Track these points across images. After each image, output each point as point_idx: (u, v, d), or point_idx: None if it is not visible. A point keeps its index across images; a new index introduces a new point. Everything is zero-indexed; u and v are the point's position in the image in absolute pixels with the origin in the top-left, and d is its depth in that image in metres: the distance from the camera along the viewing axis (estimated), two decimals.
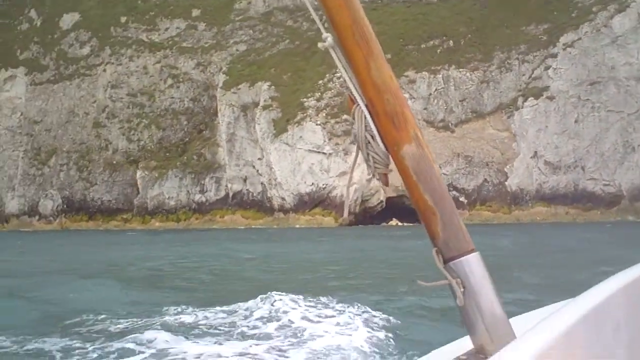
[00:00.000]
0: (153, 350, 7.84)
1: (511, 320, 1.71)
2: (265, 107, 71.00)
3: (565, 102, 62.26)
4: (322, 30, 1.71)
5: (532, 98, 63.11)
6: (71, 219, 75.38)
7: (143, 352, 7.75)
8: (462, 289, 1.66)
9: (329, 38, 1.70)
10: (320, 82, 70.26)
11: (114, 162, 77.02)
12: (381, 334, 8.80)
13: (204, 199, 72.64)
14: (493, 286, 1.69)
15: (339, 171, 65.37)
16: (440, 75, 67.28)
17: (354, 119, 1.71)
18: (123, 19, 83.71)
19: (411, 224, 62.50)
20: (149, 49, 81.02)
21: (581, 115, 61.68)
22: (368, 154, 1.72)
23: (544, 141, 62.16)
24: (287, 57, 74.57)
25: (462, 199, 63.48)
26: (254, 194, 70.76)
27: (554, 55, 63.94)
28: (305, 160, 66.94)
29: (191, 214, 72.61)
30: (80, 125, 79.10)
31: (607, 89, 61.32)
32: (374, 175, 1.76)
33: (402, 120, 1.65)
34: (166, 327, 9.46)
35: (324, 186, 65.93)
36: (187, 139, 76.70)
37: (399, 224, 64.48)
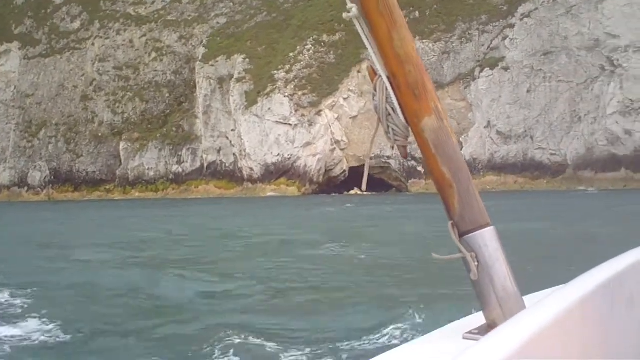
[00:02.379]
0: None
1: (525, 297, 1.96)
2: (239, 80, 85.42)
3: (519, 72, 74.16)
4: (347, 0, 1.90)
5: (488, 68, 75.22)
6: (58, 190, 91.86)
7: None
8: (476, 263, 1.87)
9: (353, 8, 1.89)
10: (291, 54, 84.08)
11: (100, 134, 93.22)
12: None
13: (180, 170, 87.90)
14: (507, 261, 1.91)
15: (303, 142, 79.14)
16: None
17: (375, 90, 1.93)
18: None
19: (370, 193, 76.36)
20: (136, 23, 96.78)
21: (533, 85, 73.50)
22: (388, 126, 1.95)
23: (497, 111, 74.27)
24: (263, 29, 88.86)
25: (419, 168, 76.42)
26: (227, 165, 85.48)
27: (512, 26, 75.89)
28: (272, 131, 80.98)
29: (169, 185, 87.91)
30: (69, 99, 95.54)
31: (559, 59, 72.91)
32: (392, 147, 2.01)
33: (422, 92, 1.87)
34: None
35: (289, 156, 79.86)
36: (169, 111, 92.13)
37: (358, 192, 77.71)
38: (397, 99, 1.88)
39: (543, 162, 71.95)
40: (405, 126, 1.91)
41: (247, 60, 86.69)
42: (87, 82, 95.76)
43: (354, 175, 79.69)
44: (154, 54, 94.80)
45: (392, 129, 1.93)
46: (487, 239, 1.89)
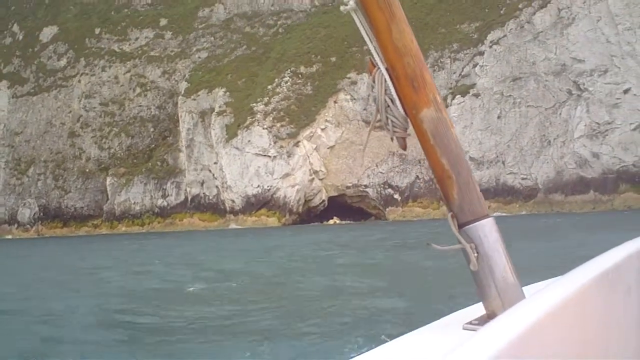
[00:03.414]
0: None
1: (524, 288, 2.01)
2: (219, 113, 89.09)
3: (490, 98, 77.35)
4: None
5: (460, 95, 78.41)
6: (47, 226, 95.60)
7: None
8: (475, 254, 1.94)
9: (351, 1, 1.96)
10: (270, 87, 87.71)
11: (87, 170, 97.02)
12: None
13: (165, 203, 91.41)
14: (506, 252, 1.97)
15: (282, 173, 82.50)
16: None
17: (374, 82, 2.02)
18: (97, 30, 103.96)
19: (350, 222, 79.58)
20: (120, 59, 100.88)
21: (503, 110, 76.62)
22: (387, 118, 2.01)
23: (469, 137, 77.31)
24: (243, 62, 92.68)
25: (396, 196, 79.65)
26: (210, 197, 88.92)
27: (482, 53, 79.15)
28: (252, 163, 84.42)
29: (154, 218, 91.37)
30: (57, 135, 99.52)
31: (527, 84, 76.05)
32: (392, 139, 2.03)
33: (421, 83, 1.94)
34: None
35: (268, 188, 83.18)
36: (154, 146, 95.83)
37: (338, 222, 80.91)
38: (396, 91, 1.96)
39: (515, 186, 74.83)
40: (404, 117, 1.98)
41: (228, 93, 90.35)
42: (74, 118, 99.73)
43: (333, 205, 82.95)
44: (138, 89, 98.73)
45: (391, 121, 1.99)
46: (487, 229, 1.96)
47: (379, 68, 1.98)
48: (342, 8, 1.98)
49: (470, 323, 2.00)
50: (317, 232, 61.49)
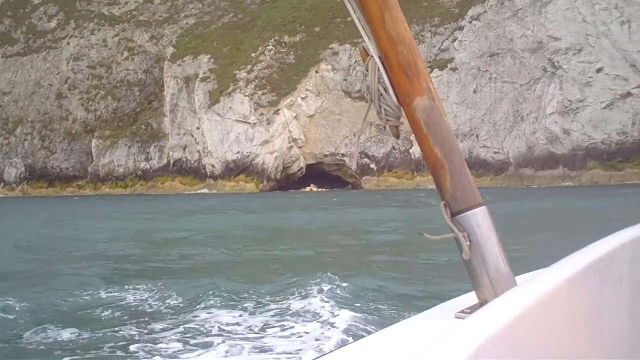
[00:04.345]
0: None
1: (517, 277, 2.05)
2: (203, 79, 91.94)
3: (467, 73, 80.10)
4: None
5: (438, 69, 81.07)
6: (32, 186, 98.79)
7: None
8: (468, 243, 1.96)
9: None
10: (253, 55, 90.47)
11: (73, 131, 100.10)
12: None
13: (148, 166, 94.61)
14: (499, 240, 2.00)
15: (261, 140, 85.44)
16: (361, 47, 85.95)
17: (367, 71, 2.01)
18: None
19: (326, 189, 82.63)
20: (109, 23, 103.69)
21: (479, 85, 79.37)
22: (380, 106, 2.03)
23: (445, 111, 79.92)
24: (229, 30, 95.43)
25: (372, 165, 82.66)
26: (192, 162, 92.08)
27: (461, 28, 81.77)
28: (233, 129, 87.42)
29: (137, 181, 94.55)
30: (45, 96, 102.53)
31: (504, 60, 78.75)
32: (385, 128, 2.06)
33: (414, 72, 1.98)
34: None
35: (248, 154, 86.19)
36: (139, 109, 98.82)
37: (314, 189, 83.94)
38: (389, 79, 1.99)
39: (487, 160, 77.74)
40: (397, 106, 2.02)
41: (212, 60, 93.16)
42: (62, 80, 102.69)
43: (311, 173, 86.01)
44: (126, 53, 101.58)
45: (384, 109, 2.03)
46: (479, 218, 2.00)
47: (372, 56, 2.01)
48: None
49: (462, 312, 2.05)
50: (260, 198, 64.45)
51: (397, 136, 2.17)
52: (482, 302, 2.03)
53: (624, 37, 73.34)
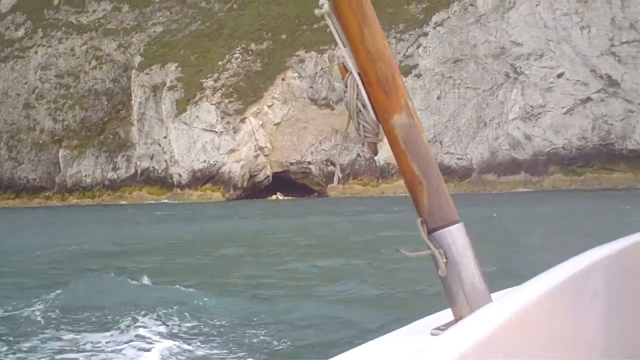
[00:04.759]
0: None
1: (493, 294, 2.08)
2: (170, 88, 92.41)
3: (431, 79, 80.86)
4: None
5: (402, 76, 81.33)
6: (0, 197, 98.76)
7: None
8: (444, 260, 1.98)
9: (325, 4, 1.95)
10: (220, 63, 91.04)
11: (40, 141, 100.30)
12: None
13: (115, 176, 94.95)
14: (475, 257, 2.02)
15: (228, 148, 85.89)
16: (327, 55, 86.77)
17: (346, 87, 2.02)
18: (56, 1, 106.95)
19: (292, 197, 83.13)
20: (77, 31, 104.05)
21: (443, 91, 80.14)
22: (359, 123, 2.02)
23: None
24: (196, 38, 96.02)
25: (339, 174, 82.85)
26: (159, 171, 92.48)
27: (426, 34, 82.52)
28: (199, 138, 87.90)
29: (104, 191, 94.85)
30: (12, 106, 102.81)
31: (467, 66, 79.57)
32: (363, 144, 2.04)
33: (393, 88, 1.99)
34: None
35: (214, 163, 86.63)
36: (107, 119, 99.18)
37: (280, 197, 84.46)
38: (368, 96, 1.99)
39: (451, 166, 78.36)
40: (375, 123, 2.01)
41: (180, 68, 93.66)
42: (30, 89, 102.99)
43: (278, 181, 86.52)
44: (93, 62, 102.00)
45: (363, 126, 2.02)
46: (456, 235, 2.01)
47: (351, 72, 2.02)
48: (316, 11, 1.98)
49: (438, 328, 2.08)
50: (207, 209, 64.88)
51: (375, 153, 2.13)
52: (458, 319, 2.04)
53: (584, 42, 74.32)
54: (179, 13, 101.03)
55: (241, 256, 20.62)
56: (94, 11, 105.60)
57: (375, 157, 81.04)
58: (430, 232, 1.98)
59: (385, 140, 2.04)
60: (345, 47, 1.97)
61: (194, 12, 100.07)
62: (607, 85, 73.74)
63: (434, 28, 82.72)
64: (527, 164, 74.75)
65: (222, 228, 34.80)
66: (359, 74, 1.98)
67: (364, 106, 1.98)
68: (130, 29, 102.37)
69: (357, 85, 1.97)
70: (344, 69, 2.02)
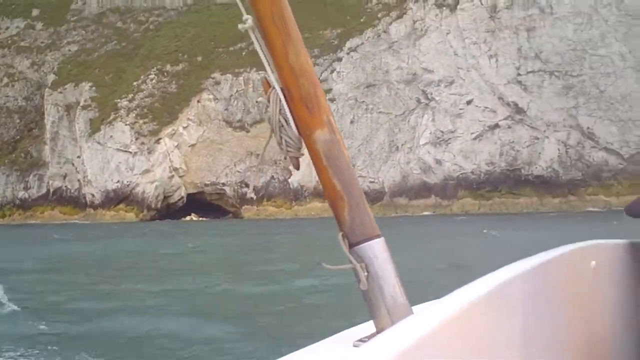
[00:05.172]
0: None
1: (414, 307, 2.11)
2: (84, 107, 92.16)
3: (344, 103, 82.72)
4: (243, 11, 1.94)
5: None
6: None
7: None
8: (365, 273, 1.99)
9: (249, 20, 1.95)
10: (135, 83, 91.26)
11: None
12: None
13: (27, 195, 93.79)
14: (395, 271, 2.03)
15: (142, 169, 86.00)
16: (242, 78, 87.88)
17: (268, 102, 2.00)
18: None
19: (207, 219, 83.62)
20: None
21: (356, 116, 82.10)
22: (281, 138, 2.02)
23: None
24: (112, 58, 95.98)
25: (252, 195, 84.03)
26: (72, 191, 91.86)
27: (340, 59, 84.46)
28: (113, 158, 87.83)
29: (15, 210, 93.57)
30: None
31: (380, 92, 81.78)
32: (286, 158, 2.04)
33: (315, 105, 1.98)
34: None
35: (128, 183, 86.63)
36: (19, 137, 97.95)
37: (194, 218, 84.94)
38: (291, 111, 2.00)
39: (363, 189, 79.56)
40: (298, 138, 2.02)
41: (94, 88, 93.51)
42: None
43: (193, 202, 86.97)
44: (5, 79, 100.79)
45: (285, 140, 2.04)
46: (377, 250, 2.02)
47: (274, 88, 2.01)
48: (240, 26, 1.96)
49: (360, 340, 2.10)
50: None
51: (297, 167, 2.12)
52: (380, 331, 2.06)
53: (492, 70, 77.41)
54: (94, 32, 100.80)
55: None
56: (7, 28, 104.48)
57: (289, 180, 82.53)
58: (351, 246, 2.02)
59: (303, 159, 2.10)
60: (268, 62, 1.99)
61: (109, 32, 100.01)
62: (514, 113, 76.98)
63: (348, 53, 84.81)
64: (438, 188, 77.17)
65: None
66: (282, 90, 2.01)
67: (287, 121, 2.00)
68: (45, 47, 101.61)
69: (280, 101, 1.99)
70: (267, 84, 2.03)
